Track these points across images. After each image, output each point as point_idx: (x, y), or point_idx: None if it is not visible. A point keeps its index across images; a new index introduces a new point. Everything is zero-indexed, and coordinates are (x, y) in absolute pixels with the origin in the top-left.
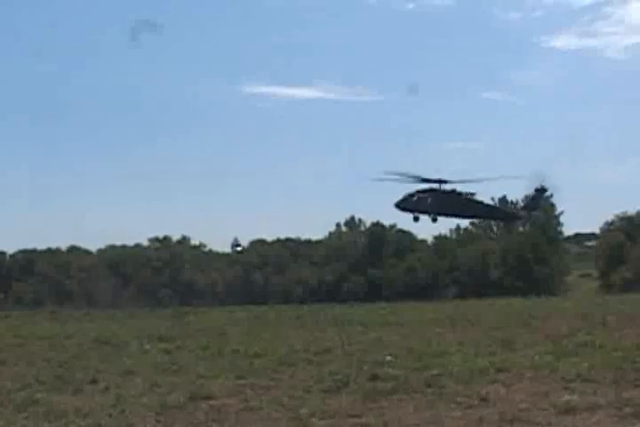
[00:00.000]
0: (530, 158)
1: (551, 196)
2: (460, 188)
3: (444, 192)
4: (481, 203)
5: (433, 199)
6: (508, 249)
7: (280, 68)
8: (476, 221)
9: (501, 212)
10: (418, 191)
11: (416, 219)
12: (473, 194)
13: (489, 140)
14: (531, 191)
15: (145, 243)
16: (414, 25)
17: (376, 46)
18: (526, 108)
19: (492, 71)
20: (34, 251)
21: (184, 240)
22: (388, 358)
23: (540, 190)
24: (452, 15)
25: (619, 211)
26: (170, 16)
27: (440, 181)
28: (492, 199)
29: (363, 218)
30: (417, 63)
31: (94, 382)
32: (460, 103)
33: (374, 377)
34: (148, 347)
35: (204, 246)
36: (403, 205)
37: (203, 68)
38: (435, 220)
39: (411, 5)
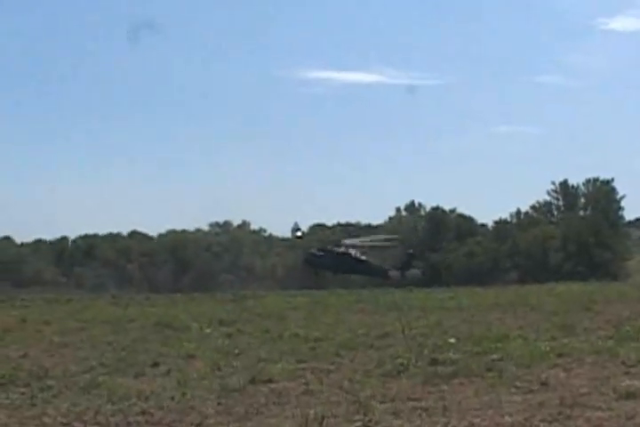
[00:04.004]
0: (588, 142)
1: (612, 180)
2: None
3: (337, 252)
4: (366, 262)
5: (327, 258)
6: (569, 234)
7: (335, 53)
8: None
9: (380, 270)
10: (317, 250)
11: (316, 273)
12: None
13: (545, 124)
14: (403, 255)
15: (205, 228)
16: (470, 7)
17: (431, 29)
18: (583, 92)
19: (548, 54)
20: (95, 236)
21: (244, 225)
22: (452, 340)
23: (410, 255)
24: None
25: None
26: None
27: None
28: None
29: (423, 202)
30: (472, 46)
31: (156, 365)
32: (516, 87)
33: (434, 361)
34: (208, 331)
35: (264, 231)
36: (307, 262)
37: (257, 54)
38: (335, 274)
39: None
